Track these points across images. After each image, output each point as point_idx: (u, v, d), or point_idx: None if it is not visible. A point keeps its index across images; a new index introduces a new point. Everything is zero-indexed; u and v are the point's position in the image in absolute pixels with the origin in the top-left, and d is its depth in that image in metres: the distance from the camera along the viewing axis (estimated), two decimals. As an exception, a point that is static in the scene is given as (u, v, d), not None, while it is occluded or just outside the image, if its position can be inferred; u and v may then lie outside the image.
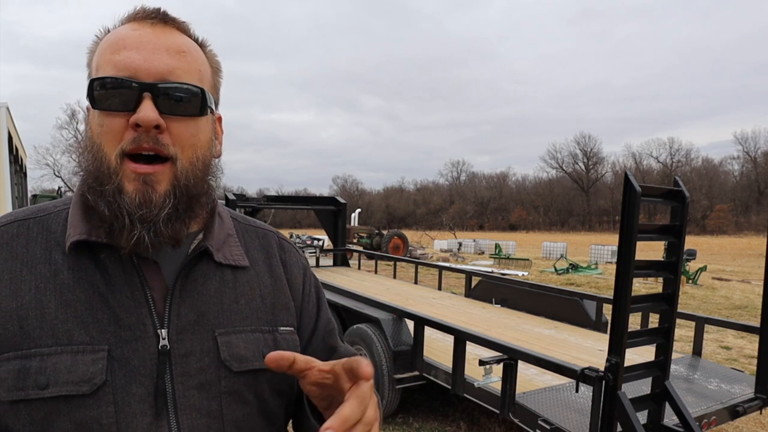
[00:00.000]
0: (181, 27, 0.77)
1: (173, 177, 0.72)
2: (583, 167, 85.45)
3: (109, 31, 0.76)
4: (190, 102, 0.73)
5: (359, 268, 8.65)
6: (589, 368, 2.45)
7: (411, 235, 26.64)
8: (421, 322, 3.76)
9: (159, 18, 0.74)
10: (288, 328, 0.85)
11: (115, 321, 0.70)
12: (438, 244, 29.23)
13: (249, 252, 0.86)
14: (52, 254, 0.73)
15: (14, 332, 0.68)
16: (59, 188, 28.46)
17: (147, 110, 0.69)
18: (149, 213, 0.69)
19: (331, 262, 8.82)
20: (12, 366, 0.67)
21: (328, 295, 4.97)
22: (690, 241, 16.95)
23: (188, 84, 0.73)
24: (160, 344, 0.71)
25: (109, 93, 0.70)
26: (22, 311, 0.69)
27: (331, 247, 9.10)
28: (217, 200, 0.86)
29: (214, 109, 0.79)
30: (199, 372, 0.73)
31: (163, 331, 0.72)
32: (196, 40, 0.79)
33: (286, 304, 0.87)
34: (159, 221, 0.70)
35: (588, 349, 4.14)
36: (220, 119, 0.84)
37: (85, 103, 0.74)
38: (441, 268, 7.54)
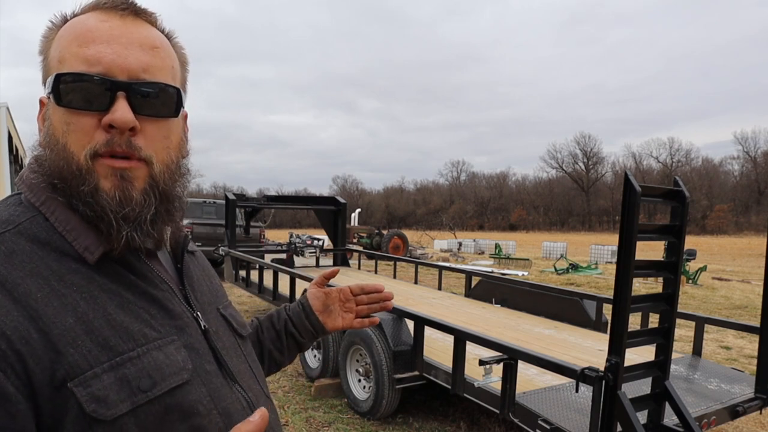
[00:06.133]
0: (150, 19, 0.72)
1: (150, 178, 0.69)
2: (583, 167, 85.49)
3: (67, 19, 0.71)
4: (166, 102, 0.70)
5: (359, 268, 8.66)
6: (589, 368, 2.45)
7: (411, 235, 26.63)
8: (421, 322, 3.75)
9: (129, 9, 0.69)
10: None
11: (166, 313, 0.72)
12: (438, 244, 29.21)
13: None
14: (68, 263, 0.66)
15: (88, 347, 0.62)
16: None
17: (123, 111, 0.65)
18: (132, 212, 0.67)
19: (331, 262, 8.82)
20: (107, 380, 0.61)
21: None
22: (690, 241, 16.94)
23: (164, 84, 0.70)
24: (202, 326, 0.77)
25: (79, 90, 0.65)
26: (84, 324, 0.62)
27: (331, 247, 9.10)
28: None
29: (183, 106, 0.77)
30: (228, 343, 0.81)
31: (198, 314, 0.77)
32: (163, 32, 0.75)
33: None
34: (146, 222, 0.68)
35: (588, 349, 4.14)
36: (186, 116, 0.82)
37: (43, 94, 0.70)
38: (441, 268, 7.53)
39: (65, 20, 0.71)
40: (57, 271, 0.64)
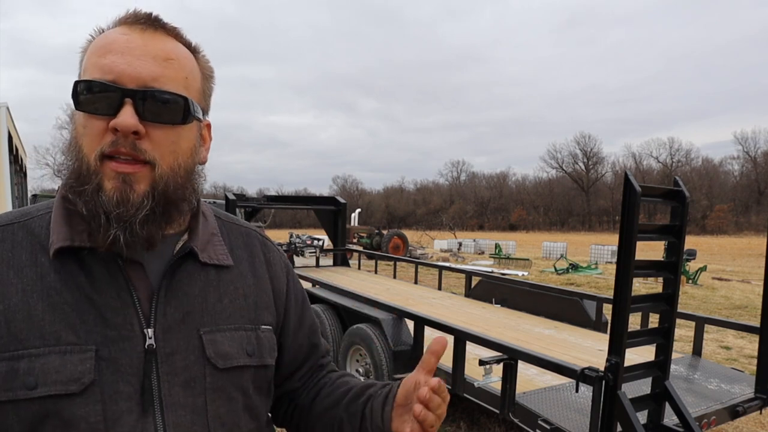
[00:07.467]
0: (172, 33, 0.77)
1: (153, 180, 0.72)
2: (583, 167, 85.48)
3: (102, 32, 0.76)
4: (172, 110, 0.73)
5: (359, 268, 8.64)
6: (589, 368, 2.45)
7: (411, 235, 26.62)
8: (421, 322, 3.76)
9: (150, 23, 0.74)
10: (268, 327, 0.88)
11: (101, 322, 0.72)
12: (438, 244, 29.21)
13: (233, 251, 0.88)
14: (38, 258, 0.74)
15: (1, 335, 0.69)
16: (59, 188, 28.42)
17: (126, 116, 0.69)
18: (126, 212, 0.70)
19: (331, 262, 8.81)
20: (0, 368, 0.68)
21: (328, 295, 4.97)
22: (690, 241, 16.91)
23: (171, 92, 0.73)
24: (147, 343, 0.73)
25: (92, 96, 0.71)
26: (8, 314, 0.70)
27: (331, 247, 9.10)
28: (201, 200, 0.87)
29: (200, 117, 0.79)
30: (184, 370, 0.75)
31: (149, 330, 0.74)
32: (188, 46, 0.79)
33: (268, 303, 0.89)
34: (135, 222, 0.70)
35: (588, 349, 4.14)
36: (209, 126, 0.84)
37: (71, 103, 0.74)
38: (441, 268, 7.53)
39: (101, 32, 0.76)
40: (22, 263, 0.73)
